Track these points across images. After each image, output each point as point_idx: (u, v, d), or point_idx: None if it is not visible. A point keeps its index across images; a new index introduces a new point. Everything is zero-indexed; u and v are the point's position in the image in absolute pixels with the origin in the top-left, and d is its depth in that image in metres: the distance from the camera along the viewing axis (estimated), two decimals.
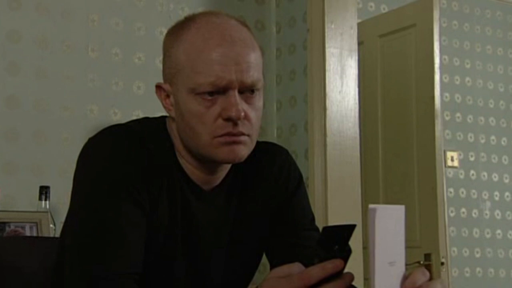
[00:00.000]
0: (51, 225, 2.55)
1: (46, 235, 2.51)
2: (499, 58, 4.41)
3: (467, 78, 4.25)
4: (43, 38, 2.75)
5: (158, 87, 1.27)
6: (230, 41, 1.17)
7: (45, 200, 2.56)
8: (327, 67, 2.97)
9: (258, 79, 1.20)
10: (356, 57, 3.04)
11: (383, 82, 3.57)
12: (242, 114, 1.17)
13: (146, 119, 1.33)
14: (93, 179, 1.19)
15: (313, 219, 1.41)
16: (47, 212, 2.54)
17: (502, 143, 4.34)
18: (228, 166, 1.30)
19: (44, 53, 2.75)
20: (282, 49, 3.20)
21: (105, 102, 2.85)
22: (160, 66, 2.98)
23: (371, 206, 0.92)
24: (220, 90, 1.17)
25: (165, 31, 3.03)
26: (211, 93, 1.17)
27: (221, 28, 1.19)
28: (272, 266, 1.36)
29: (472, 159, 4.20)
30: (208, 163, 1.24)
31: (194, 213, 1.26)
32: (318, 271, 0.95)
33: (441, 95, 3.55)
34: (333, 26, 3.01)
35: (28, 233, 2.48)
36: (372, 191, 3.48)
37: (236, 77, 1.16)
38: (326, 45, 2.98)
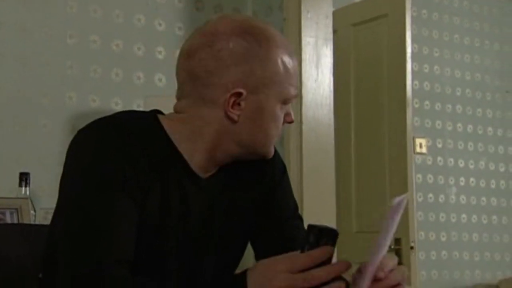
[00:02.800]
0: (31, 211, 2.57)
1: (26, 221, 2.53)
2: (466, 47, 4.51)
3: (436, 67, 4.35)
4: (22, 25, 2.75)
5: (237, 93, 1.26)
6: (293, 54, 1.35)
7: (25, 186, 2.57)
8: (303, 56, 3.03)
9: None
10: (331, 46, 3.10)
11: (356, 70, 3.64)
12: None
13: (134, 111, 1.38)
14: (83, 172, 1.21)
15: (296, 208, 1.46)
16: (27, 198, 2.55)
17: (468, 130, 4.46)
18: None
19: (23, 40, 2.76)
20: None
21: (83, 89, 2.87)
22: (139, 53, 3.00)
23: (397, 198, 1.01)
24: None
25: (143, 18, 3.04)
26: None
27: (289, 45, 1.35)
28: (257, 254, 1.42)
29: (439, 145, 4.32)
30: (241, 158, 1.34)
31: (189, 201, 1.29)
32: (305, 257, 1.06)
33: (411, 83, 3.64)
34: (309, 16, 3.06)
35: (8, 220, 2.50)
36: (345, 177, 3.56)
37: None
38: (302, 34, 3.04)
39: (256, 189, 1.39)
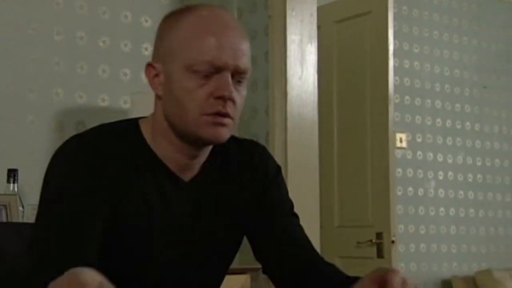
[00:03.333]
0: (20, 208, 2.58)
1: (15, 217, 2.55)
2: (445, 43, 4.59)
3: (416, 62, 4.42)
4: (9, 21, 2.76)
5: (149, 65, 1.30)
6: (227, 28, 1.25)
7: (13, 183, 2.59)
8: (288, 54, 3.07)
9: (249, 67, 1.28)
10: (316, 44, 3.14)
11: (338, 66, 3.70)
12: (233, 95, 1.23)
13: (115, 121, 1.37)
14: (53, 193, 1.25)
15: (292, 206, 1.46)
16: (15, 194, 2.57)
17: (447, 125, 4.55)
18: (207, 153, 1.34)
19: (10, 37, 2.76)
20: None
21: (70, 85, 2.88)
22: (125, 49, 3.02)
23: None
24: (215, 70, 1.23)
25: (130, 15, 3.06)
26: (205, 72, 1.23)
27: (219, 16, 1.27)
28: (255, 252, 1.42)
29: (419, 140, 4.39)
30: (190, 144, 1.29)
31: (172, 206, 1.31)
32: None
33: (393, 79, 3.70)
34: (294, 13, 3.10)
35: None
36: (327, 172, 3.61)
37: (232, 61, 1.23)
38: (287, 32, 3.07)
39: (247, 190, 1.40)
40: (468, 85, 4.68)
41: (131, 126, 1.33)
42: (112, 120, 2.88)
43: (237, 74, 1.25)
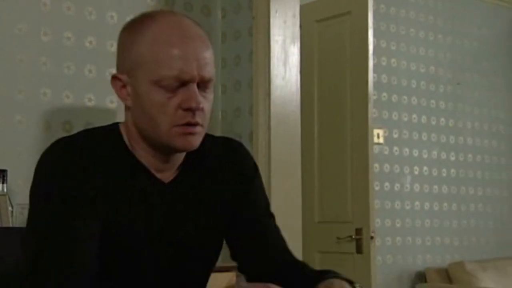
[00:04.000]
0: (9, 208, 2.62)
1: (4, 217, 2.58)
2: (421, 40, 4.69)
3: (393, 60, 4.51)
4: None
5: (115, 77, 1.33)
6: (190, 38, 1.27)
7: (2, 183, 2.62)
8: (271, 54, 3.13)
9: (213, 74, 1.32)
10: (298, 45, 3.21)
11: (319, 64, 3.77)
12: (201, 105, 1.27)
13: (96, 127, 1.41)
14: (46, 193, 1.28)
15: (268, 206, 1.51)
16: (5, 195, 2.60)
17: (422, 121, 4.65)
18: (183, 155, 1.39)
19: None
20: (227, 34, 3.33)
21: (57, 85, 2.91)
22: (111, 50, 3.06)
23: None
24: (181, 84, 1.26)
25: (115, 15, 3.09)
26: (172, 86, 1.26)
27: (181, 26, 1.29)
28: (232, 251, 1.48)
29: (396, 136, 4.49)
30: (163, 151, 1.34)
31: (154, 208, 1.35)
32: None
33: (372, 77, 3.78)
34: (277, 14, 3.16)
35: None
36: (308, 169, 3.69)
37: (197, 72, 1.27)
38: (271, 33, 3.13)
39: (226, 189, 1.43)
40: (443, 82, 4.79)
41: (112, 132, 1.36)
42: (99, 120, 2.95)
43: (203, 84, 1.29)
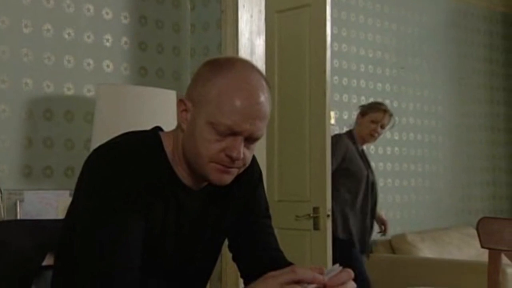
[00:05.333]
0: None
1: None
2: (369, 27, 4.98)
3: (344, 45, 4.79)
4: None
5: (181, 100, 1.48)
6: (256, 99, 1.42)
7: None
8: (239, 46, 3.33)
9: (263, 134, 1.44)
10: (263, 37, 3.43)
11: (280, 52, 3.99)
12: (241, 156, 1.43)
13: (138, 132, 1.56)
14: (98, 193, 1.43)
15: (267, 208, 1.74)
16: None
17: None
18: None
19: None
20: (196, 25, 3.51)
21: (38, 75, 3.04)
22: (88, 41, 3.20)
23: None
24: (231, 133, 1.41)
25: (92, 8, 3.23)
26: (223, 132, 1.41)
27: (254, 84, 1.44)
28: (232, 247, 1.70)
29: (345, 117, 4.79)
30: (199, 176, 1.52)
31: (184, 207, 1.55)
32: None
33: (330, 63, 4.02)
34: (245, 9, 3.36)
35: None
36: (269, 151, 3.90)
37: (249, 129, 1.41)
38: (239, 26, 3.34)
39: (238, 195, 1.64)
40: (388, 66, 5.11)
41: (155, 143, 1.53)
42: (78, 108, 3.09)
43: (251, 139, 1.44)
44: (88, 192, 1.45)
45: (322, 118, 3.78)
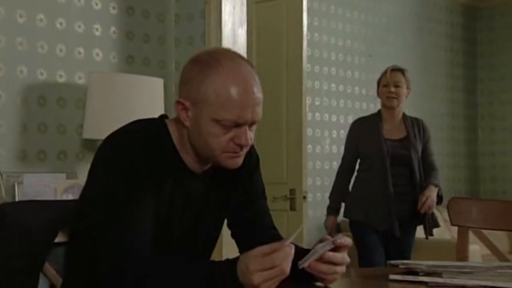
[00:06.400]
0: None
1: None
2: (339, 16, 5.19)
3: (316, 34, 4.99)
4: None
5: (179, 102, 1.59)
6: (251, 88, 1.56)
7: None
8: (222, 36, 3.51)
9: (261, 115, 1.59)
10: (245, 27, 3.61)
11: (257, 42, 4.18)
12: (249, 141, 1.58)
13: (147, 120, 1.71)
14: (114, 175, 1.57)
15: (264, 190, 1.91)
16: None
17: (340, 89, 5.19)
18: None
19: None
20: (180, 15, 3.67)
21: (32, 63, 3.17)
22: (79, 30, 3.33)
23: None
24: (236, 125, 1.56)
25: None
26: (229, 126, 1.56)
27: (244, 74, 1.57)
28: (231, 225, 1.86)
29: (317, 103, 5.01)
30: (207, 161, 1.68)
31: (189, 190, 1.71)
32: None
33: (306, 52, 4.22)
34: (228, 1, 3.53)
35: None
36: None
37: (251, 117, 1.57)
38: (222, 17, 3.51)
39: (238, 176, 1.79)
40: (357, 54, 5.33)
41: (163, 131, 1.68)
42: (70, 94, 3.23)
43: (253, 123, 1.60)
44: (105, 174, 1.59)
45: (299, 104, 3.99)
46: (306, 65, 4.81)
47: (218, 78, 1.54)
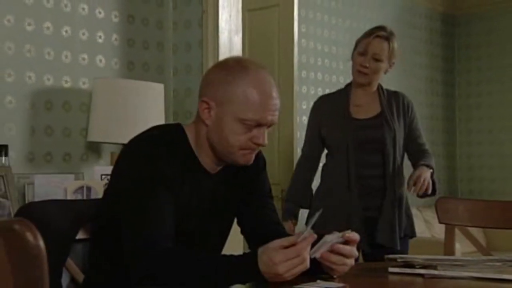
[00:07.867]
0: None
1: (11, 184, 2.95)
2: (326, 24, 5.37)
3: (303, 40, 5.16)
4: None
5: (203, 101, 1.74)
6: (273, 94, 1.74)
7: (5, 156, 2.96)
8: (220, 43, 3.68)
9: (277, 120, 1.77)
10: (241, 35, 3.78)
11: (251, 48, 4.35)
12: (266, 142, 1.75)
13: (170, 127, 1.88)
14: (138, 174, 1.70)
15: (270, 190, 2.06)
16: (9, 166, 2.99)
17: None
18: None
19: None
20: (178, 23, 3.83)
21: (40, 69, 3.30)
22: (83, 38, 3.48)
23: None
24: (257, 125, 1.72)
25: (86, 7, 3.53)
26: (251, 126, 1.72)
27: (268, 81, 1.75)
28: (240, 222, 1.97)
29: (304, 107, 5.17)
30: (224, 160, 1.79)
31: (204, 188, 1.87)
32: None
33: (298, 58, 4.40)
34: (225, 9, 3.70)
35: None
36: None
37: (271, 120, 1.73)
38: (219, 25, 3.68)
39: (247, 177, 1.91)
40: (342, 60, 5.52)
41: (181, 135, 1.84)
42: (75, 99, 3.38)
43: (270, 126, 1.76)
44: (130, 175, 1.74)
45: (290, 108, 4.17)
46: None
47: (246, 82, 1.71)
